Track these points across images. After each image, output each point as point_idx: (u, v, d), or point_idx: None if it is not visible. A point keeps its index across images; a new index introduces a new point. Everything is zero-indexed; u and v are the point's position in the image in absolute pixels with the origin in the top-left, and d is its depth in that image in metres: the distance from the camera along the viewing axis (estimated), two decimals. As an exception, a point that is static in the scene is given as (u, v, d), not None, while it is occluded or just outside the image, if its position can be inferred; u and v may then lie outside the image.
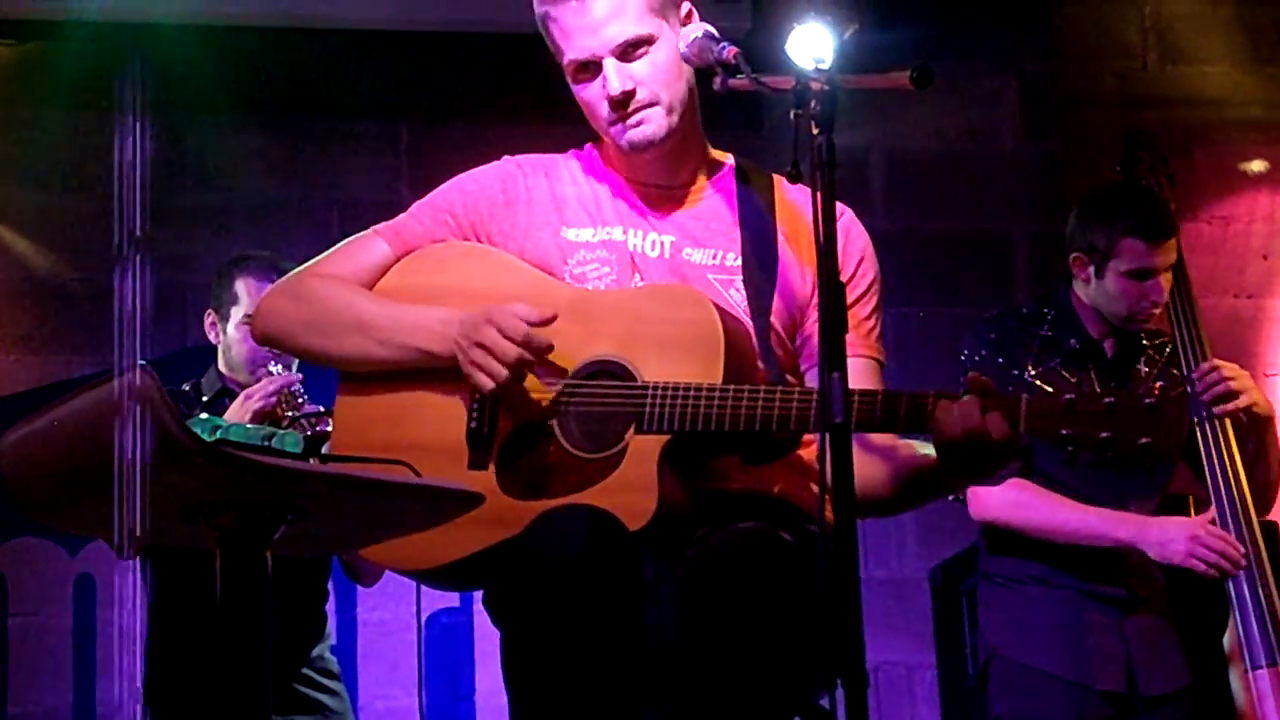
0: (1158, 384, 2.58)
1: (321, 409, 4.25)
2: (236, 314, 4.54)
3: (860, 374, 2.99)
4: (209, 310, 4.64)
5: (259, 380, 4.39)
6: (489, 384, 2.86)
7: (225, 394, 4.49)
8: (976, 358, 4.37)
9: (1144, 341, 4.47)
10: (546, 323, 2.88)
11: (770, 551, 2.67)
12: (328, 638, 4.65)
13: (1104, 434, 2.62)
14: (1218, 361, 4.33)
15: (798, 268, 3.06)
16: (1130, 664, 4.29)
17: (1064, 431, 2.64)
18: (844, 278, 3.02)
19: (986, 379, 2.71)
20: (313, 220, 6.00)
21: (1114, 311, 4.38)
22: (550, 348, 2.87)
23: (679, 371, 2.82)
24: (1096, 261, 4.37)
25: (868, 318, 3.09)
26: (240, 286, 4.55)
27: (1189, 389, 4.32)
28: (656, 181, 3.12)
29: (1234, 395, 4.25)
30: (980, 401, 2.67)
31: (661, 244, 3.06)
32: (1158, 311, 4.40)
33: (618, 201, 3.11)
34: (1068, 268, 4.49)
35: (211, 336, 4.63)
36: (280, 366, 4.39)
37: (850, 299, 3.02)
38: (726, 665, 2.62)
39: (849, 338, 2.96)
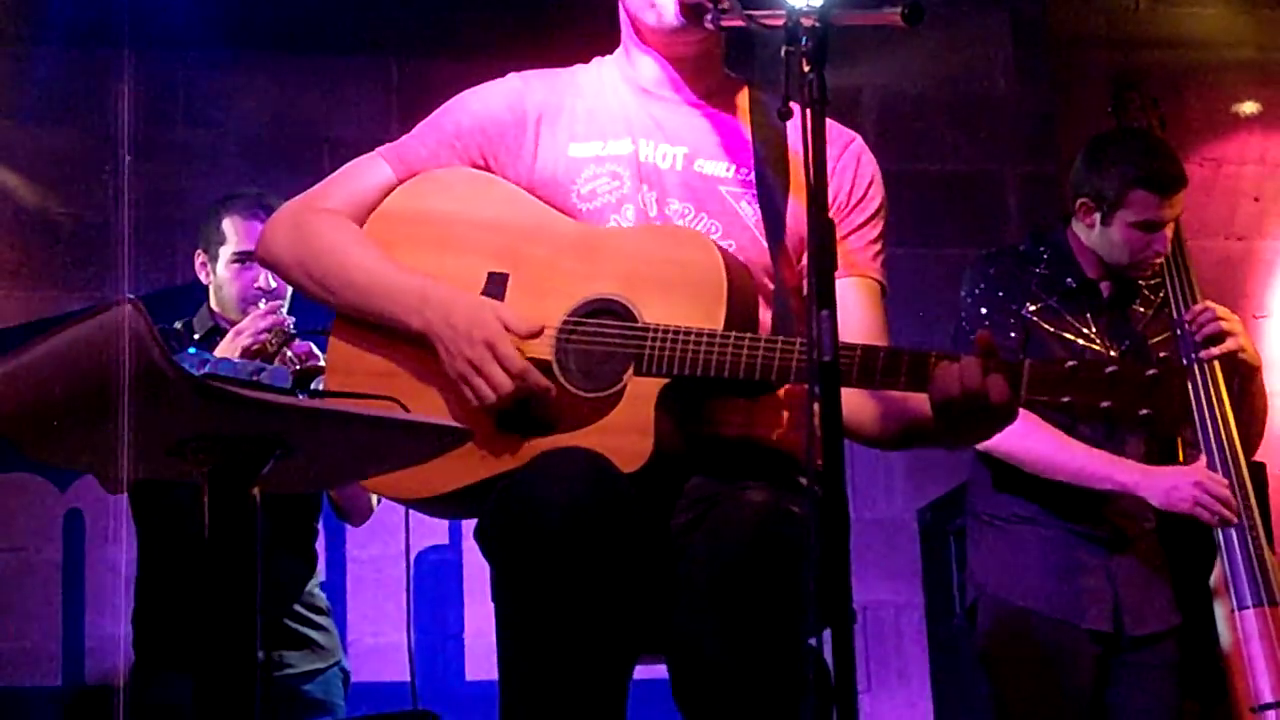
0: (1161, 354, 2.55)
1: (313, 346, 4.24)
2: (225, 253, 4.53)
3: (864, 295, 3.03)
4: (198, 250, 4.62)
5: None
6: (479, 402, 2.84)
7: (217, 332, 4.47)
8: (977, 290, 4.36)
9: (1140, 282, 4.45)
10: (534, 335, 2.87)
11: (787, 539, 2.67)
12: (317, 575, 4.65)
13: (1105, 403, 2.62)
14: (1209, 303, 4.33)
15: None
16: (1118, 603, 4.31)
17: (1065, 399, 2.64)
18: (855, 199, 3.06)
19: (992, 340, 2.70)
20: (303, 157, 5.98)
21: (1116, 259, 4.37)
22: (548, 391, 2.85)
23: (680, 314, 2.81)
24: (1104, 209, 4.34)
25: (874, 241, 3.08)
26: (228, 225, 4.54)
27: (1179, 330, 4.32)
28: (673, 90, 3.12)
29: (1223, 337, 4.25)
30: (983, 363, 2.66)
31: (674, 156, 3.06)
32: (1159, 262, 4.39)
33: (630, 112, 3.10)
34: (1064, 208, 4.47)
35: (202, 276, 4.62)
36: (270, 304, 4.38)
37: (860, 219, 3.06)
38: (741, 652, 2.62)
39: (856, 257, 3.02)
